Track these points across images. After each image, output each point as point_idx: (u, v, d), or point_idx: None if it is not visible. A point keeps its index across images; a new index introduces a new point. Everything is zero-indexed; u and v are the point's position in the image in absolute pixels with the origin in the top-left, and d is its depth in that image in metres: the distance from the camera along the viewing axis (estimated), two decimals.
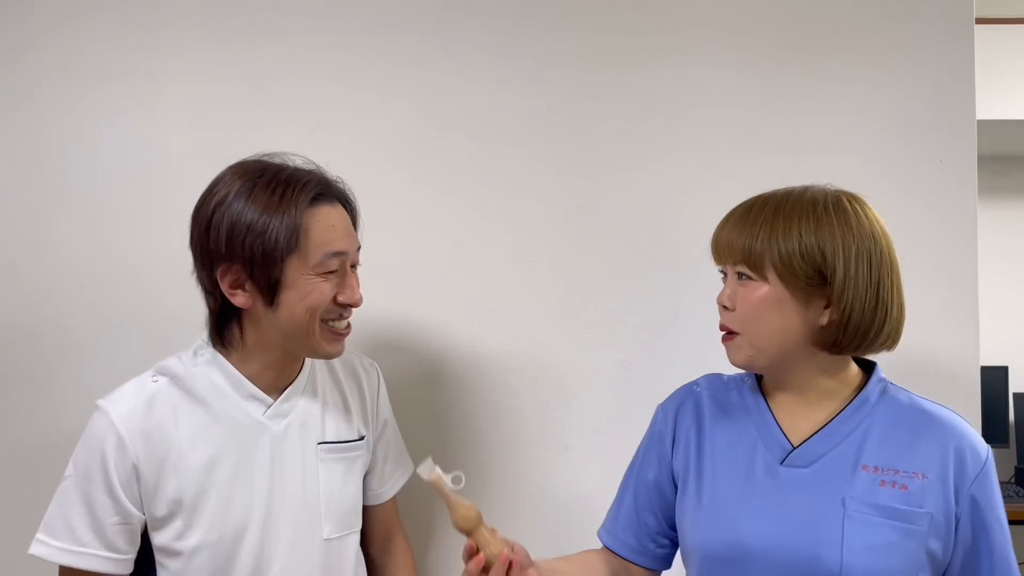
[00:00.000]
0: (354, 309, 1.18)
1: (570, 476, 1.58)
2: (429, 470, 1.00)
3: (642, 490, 1.22)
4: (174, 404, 1.14)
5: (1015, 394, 3.49)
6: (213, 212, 1.10)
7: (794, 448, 1.09)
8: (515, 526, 1.58)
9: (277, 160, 1.16)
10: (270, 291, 1.10)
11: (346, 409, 1.28)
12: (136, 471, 1.11)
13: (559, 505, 1.57)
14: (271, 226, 1.08)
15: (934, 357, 1.55)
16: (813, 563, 1.03)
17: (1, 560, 1.54)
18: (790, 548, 1.04)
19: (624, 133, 1.60)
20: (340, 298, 1.14)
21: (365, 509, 1.32)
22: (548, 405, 1.59)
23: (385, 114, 1.60)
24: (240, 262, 1.10)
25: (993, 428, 3.43)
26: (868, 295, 1.05)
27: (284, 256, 1.08)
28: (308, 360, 1.24)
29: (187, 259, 1.62)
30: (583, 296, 1.59)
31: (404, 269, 1.59)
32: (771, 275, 1.06)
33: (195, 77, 1.60)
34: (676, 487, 1.19)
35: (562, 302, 1.59)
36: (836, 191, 1.10)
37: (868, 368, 1.14)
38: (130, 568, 1.16)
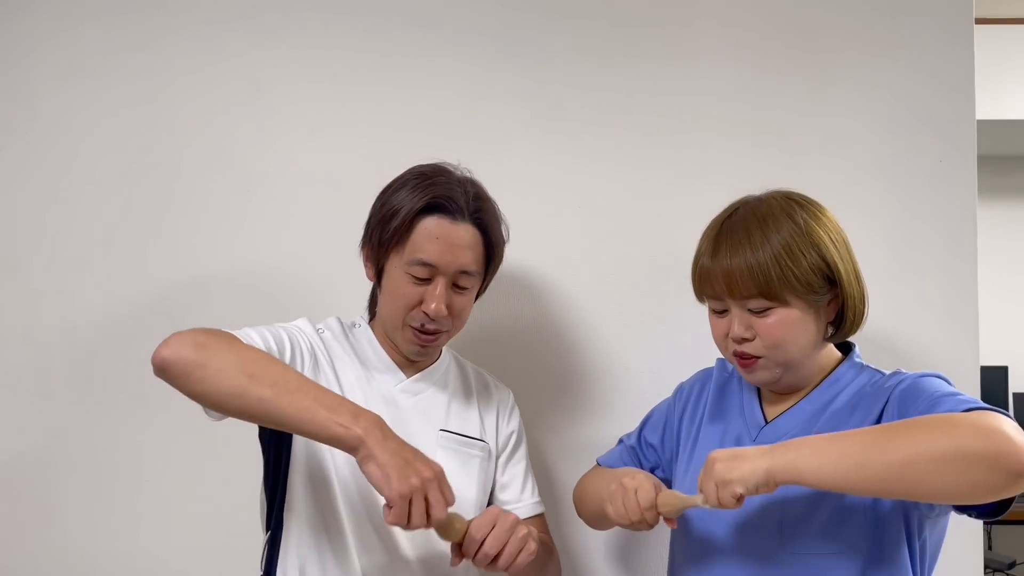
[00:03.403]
0: (446, 320, 1.22)
1: (569, 477, 1.58)
2: None
3: (643, 443, 1.34)
4: (337, 349, 1.27)
5: (1015, 394, 3.50)
6: (380, 195, 1.26)
7: (767, 424, 1.18)
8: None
9: (448, 168, 1.26)
10: (378, 274, 1.25)
11: (471, 409, 1.32)
12: (313, 353, 1.22)
13: (558, 506, 1.57)
14: (392, 220, 1.21)
15: (934, 357, 1.55)
16: (759, 513, 1.11)
17: (3, 557, 1.54)
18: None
19: (625, 132, 1.60)
20: (422, 305, 1.21)
21: None
22: (548, 405, 1.59)
23: (385, 115, 1.60)
24: (371, 241, 1.25)
25: None
26: (857, 280, 1.14)
27: (389, 247, 1.21)
28: (445, 352, 1.34)
29: (191, 259, 1.62)
30: (584, 296, 1.59)
31: None
32: (791, 298, 1.09)
33: (197, 78, 1.60)
34: (670, 456, 1.31)
35: (562, 302, 1.59)
36: (786, 196, 1.14)
37: (846, 350, 1.21)
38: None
